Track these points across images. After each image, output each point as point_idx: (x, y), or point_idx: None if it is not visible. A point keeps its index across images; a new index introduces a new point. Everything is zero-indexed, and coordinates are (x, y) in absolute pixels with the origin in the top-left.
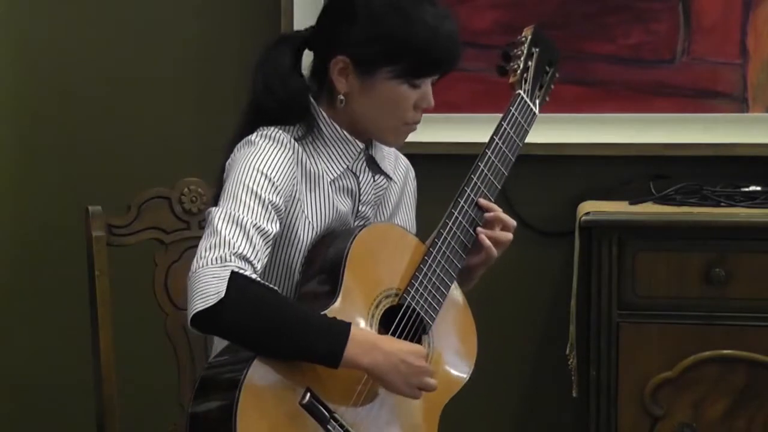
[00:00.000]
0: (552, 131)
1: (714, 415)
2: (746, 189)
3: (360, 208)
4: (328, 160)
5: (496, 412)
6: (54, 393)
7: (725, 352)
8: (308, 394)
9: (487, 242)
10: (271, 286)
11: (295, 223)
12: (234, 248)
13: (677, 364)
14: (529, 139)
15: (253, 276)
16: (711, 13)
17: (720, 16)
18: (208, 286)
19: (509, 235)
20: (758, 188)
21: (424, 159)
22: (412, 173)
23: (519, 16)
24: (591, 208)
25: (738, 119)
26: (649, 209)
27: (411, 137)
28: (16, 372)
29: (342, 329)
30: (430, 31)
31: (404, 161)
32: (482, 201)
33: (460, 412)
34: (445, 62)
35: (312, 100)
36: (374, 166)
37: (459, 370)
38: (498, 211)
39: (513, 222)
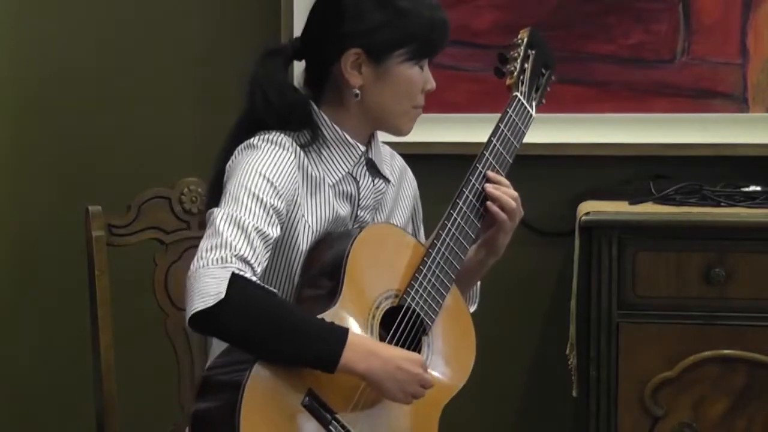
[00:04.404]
0: (552, 131)
1: (714, 415)
2: (746, 189)
3: (359, 213)
4: (329, 164)
5: (496, 412)
6: (54, 393)
7: (725, 352)
8: (310, 396)
9: (497, 211)
10: (271, 288)
11: (295, 227)
12: (235, 250)
13: (677, 364)
14: (529, 139)
15: (253, 278)
16: (711, 13)
17: (720, 16)
18: (208, 286)
19: (512, 203)
20: (758, 188)
21: (423, 159)
22: (409, 173)
23: (519, 17)
24: (591, 208)
25: (738, 119)
26: (649, 209)
27: (411, 137)
28: (16, 372)
29: (339, 335)
30: (429, 8)
31: (400, 161)
32: (491, 174)
33: (460, 412)
34: (445, 37)
35: (313, 105)
36: (373, 170)
37: (458, 372)
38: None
39: (514, 194)
